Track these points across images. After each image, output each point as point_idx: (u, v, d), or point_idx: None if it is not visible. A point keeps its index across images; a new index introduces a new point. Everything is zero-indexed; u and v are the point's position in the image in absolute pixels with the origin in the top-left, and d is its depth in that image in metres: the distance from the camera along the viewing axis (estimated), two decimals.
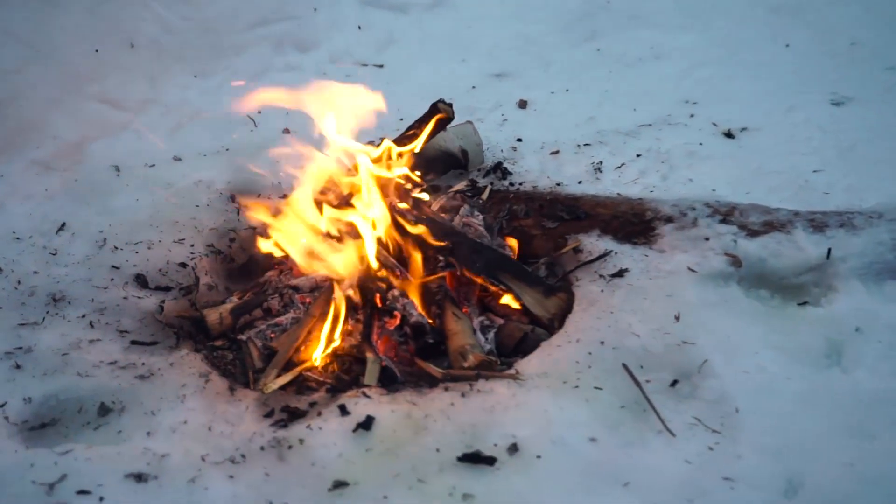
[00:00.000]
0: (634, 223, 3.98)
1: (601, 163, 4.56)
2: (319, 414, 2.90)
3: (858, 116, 5.16)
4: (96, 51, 5.06)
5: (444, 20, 6.96)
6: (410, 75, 5.91)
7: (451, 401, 2.98)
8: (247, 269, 3.96)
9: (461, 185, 4.24)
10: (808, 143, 4.78)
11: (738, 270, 3.71)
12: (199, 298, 3.68)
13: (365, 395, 3.01)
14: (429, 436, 2.81)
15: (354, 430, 2.81)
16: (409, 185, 3.74)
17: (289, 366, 3.27)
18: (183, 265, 3.77)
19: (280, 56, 5.70)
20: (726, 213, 3.95)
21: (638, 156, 4.68)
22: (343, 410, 2.91)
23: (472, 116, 5.10)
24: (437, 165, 4.32)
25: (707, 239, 3.83)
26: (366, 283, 3.40)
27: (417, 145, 3.80)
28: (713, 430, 2.88)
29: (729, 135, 4.99)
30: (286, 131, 4.98)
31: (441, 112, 3.74)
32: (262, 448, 2.73)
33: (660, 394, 3.04)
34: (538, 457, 2.72)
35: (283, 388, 3.15)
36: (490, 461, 2.68)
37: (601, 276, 3.70)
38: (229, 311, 3.54)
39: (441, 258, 3.57)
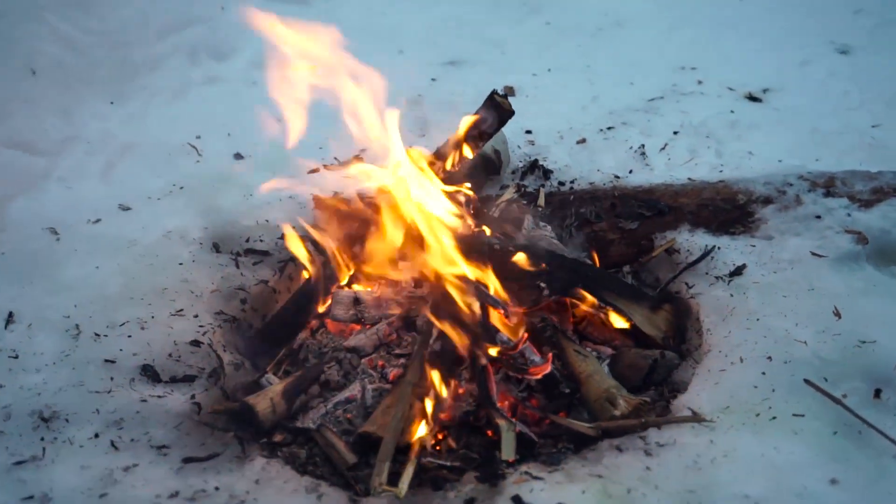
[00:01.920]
0: (727, 210, 3.63)
1: (642, 146, 4.20)
2: None
3: (875, 64, 5.11)
4: None
5: (353, 9, 6.43)
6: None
7: (643, 464, 2.51)
8: (266, 334, 3.30)
9: (511, 193, 3.74)
10: (849, 98, 4.63)
11: (864, 248, 3.41)
12: (226, 383, 3.01)
13: (532, 475, 2.49)
14: None
15: None
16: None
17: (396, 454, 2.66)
18: (196, 343, 3.09)
19: (197, 67, 5.02)
20: (827, 185, 3.66)
21: (675, 133, 4.36)
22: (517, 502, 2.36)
23: (459, 111, 4.61)
24: (476, 173, 3.80)
25: (819, 217, 3.53)
26: (477, 329, 2.84)
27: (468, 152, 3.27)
28: None
29: (753, 98, 4.78)
30: (238, 157, 4.31)
31: (500, 106, 3.22)
32: None
33: (867, 408, 2.69)
34: None
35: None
36: None
37: (717, 277, 3.32)
38: (281, 393, 2.90)
39: (543, 285, 3.05)
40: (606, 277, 3.31)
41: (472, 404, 2.87)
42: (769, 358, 2.89)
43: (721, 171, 3.90)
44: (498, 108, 3.22)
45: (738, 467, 2.47)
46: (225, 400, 2.96)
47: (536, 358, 2.91)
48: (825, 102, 4.58)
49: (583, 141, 4.29)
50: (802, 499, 2.37)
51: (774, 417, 2.65)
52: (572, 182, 3.94)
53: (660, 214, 3.62)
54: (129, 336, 3.08)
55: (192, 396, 2.87)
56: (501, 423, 2.72)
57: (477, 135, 3.23)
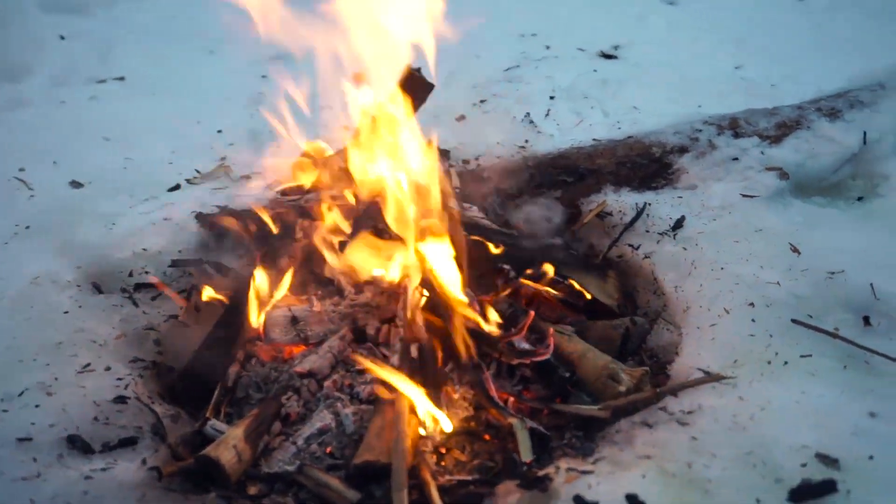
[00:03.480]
0: (645, 165, 3.59)
1: (527, 114, 4.11)
2: None
3: (703, 11, 5.29)
4: None
5: (140, 15, 5.95)
6: (170, 84, 4.93)
7: (686, 435, 2.38)
8: (191, 376, 2.89)
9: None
10: (700, 44, 4.78)
11: (787, 182, 3.47)
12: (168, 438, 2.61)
13: (578, 470, 2.29)
14: (725, 487, 2.18)
15: None
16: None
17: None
18: (121, 400, 2.65)
19: None
20: (732, 126, 3.71)
21: (552, 98, 4.30)
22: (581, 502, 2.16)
23: (313, 105, 4.32)
24: None
25: (736, 159, 3.57)
26: (472, 326, 2.60)
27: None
28: None
29: (608, 56, 4.79)
30: (76, 185, 3.81)
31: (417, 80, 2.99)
32: None
33: (863, 337, 2.70)
34: (870, 457, 2.22)
35: None
36: (829, 487, 2.13)
37: (661, 233, 3.27)
38: (243, 439, 2.53)
39: (507, 268, 2.86)
40: (557, 250, 3.15)
41: (469, 408, 2.62)
42: (751, 304, 2.85)
43: (619, 129, 3.85)
44: (416, 85, 2.97)
45: (780, 419, 2.38)
46: (173, 458, 2.54)
47: (525, 345, 2.70)
48: (680, 52, 4.67)
49: (462, 118, 4.12)
50: (859, 437, 2.32)
51: (786, 363, 2.60)
52: (477, 159, 3.75)
53: (581, 179, 3.51)
54: (37, 406, 2.58)
55: (144, 461, 2.44)
56: (514, 421, 2.50)
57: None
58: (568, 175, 3.50)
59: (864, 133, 3.61)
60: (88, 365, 2.76)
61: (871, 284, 2.88)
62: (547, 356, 2.63)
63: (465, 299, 2.66)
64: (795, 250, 3.06)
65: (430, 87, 3.00)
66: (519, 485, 2.30)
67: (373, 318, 2.94)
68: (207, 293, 3.09)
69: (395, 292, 2.80)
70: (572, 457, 2.42)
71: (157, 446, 2.53)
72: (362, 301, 3.00)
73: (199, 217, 3.38)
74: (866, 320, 2.78)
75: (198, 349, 2.93)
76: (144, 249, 3.33)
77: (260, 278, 2.93)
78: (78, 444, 2.49)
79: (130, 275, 3.21)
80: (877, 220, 3.35)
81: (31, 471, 2.36)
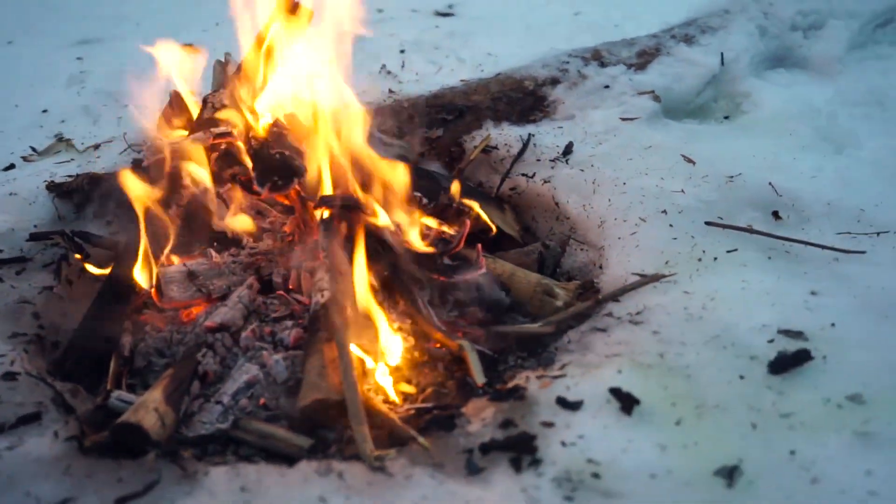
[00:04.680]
0: (520, 98, 3.54)
1: (384, 66, 3.96)
2: (549, 425, 2.01)
3: None
4: None
5: None
6: None
7: (646, 331, 2.33)
8: (79, 349, 2.55)
9: None
10: None
11: (660, 105, 3.52)
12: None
13: (549, 377, 2.19)
14: (705, 370, 2.14)
15: (626, 411, 2.01)
16: None
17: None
18: (10, 376, 2.30)
19: None
20: (596, 57, 3.73)
21: (402, 52, 4.19)
22: (566, 404, 2.06)
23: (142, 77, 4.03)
24: None
25: (607, 87, 3.59)
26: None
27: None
28: (875, 233, 2.74)
29: (444, 14, 4.74)
30: None
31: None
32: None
33: (777, 230, 2.76)
34: (832, 325, 2.25)
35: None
36: (805, 356, 2.14)
37: (553, 160, 3.22)
38: (164, 401, 2.24)
39: (420, 195, 2.72)
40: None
41: (408, 338, 2.45)
42: (664, 212, 2.84)
43: (483, 71, 3.78)
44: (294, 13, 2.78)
45: (732, 305, 2.37)
46: (91, 432, 2.22)
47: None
48: (515, 5, 4.69)
49: None
50: (812, 311, 2.34)
51: (716, 258, 2.60)
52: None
53: (460, 116, 3.40)
54: None
55: (56, 434, 2.11)
56: (463, 342, 2.36)
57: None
58: (447, 113, 3.39)
59: (722, 54, 3.71)
60: None
61: (770, 183, 2.93)
62: (484, 270, 2.49)
63: (390, 222, 2.49)
64: (690, 161, 3.09)
65: (308, 14, 2.80)
66: (491, 398, 2.15)
67: (278, 266, 2.72)
68: (80, 264, 2.76)
69: (308, 228, 2.59)
70: (533, 369, 2.30)
71: (66, 419, 2.20)
72: (263, 249, 2.76)
73: (52, 187, 3.02)
74: (776, 215, 2.83)
75: (81, 323, 2.59)
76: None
77: (146, 237, 2.62)
78: None
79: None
80: (752, 131, 3.45)
81: None
